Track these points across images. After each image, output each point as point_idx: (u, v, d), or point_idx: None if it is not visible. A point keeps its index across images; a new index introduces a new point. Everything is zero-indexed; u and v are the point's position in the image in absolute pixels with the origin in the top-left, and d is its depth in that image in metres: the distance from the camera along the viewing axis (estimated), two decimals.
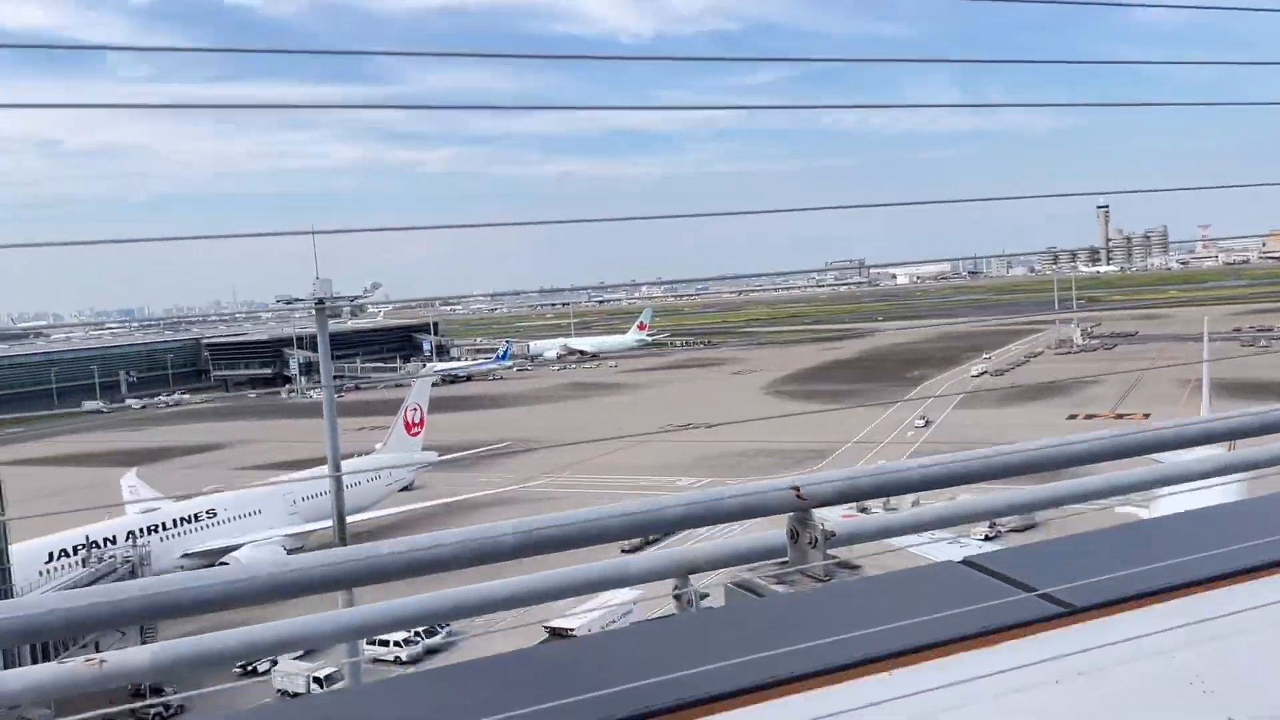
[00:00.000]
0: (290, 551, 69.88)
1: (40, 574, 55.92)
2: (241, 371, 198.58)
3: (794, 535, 5.09)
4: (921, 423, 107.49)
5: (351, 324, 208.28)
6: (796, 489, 4.99)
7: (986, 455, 5.62)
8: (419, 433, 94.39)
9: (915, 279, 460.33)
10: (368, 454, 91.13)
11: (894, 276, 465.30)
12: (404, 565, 4.44)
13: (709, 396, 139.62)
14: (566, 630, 36.50)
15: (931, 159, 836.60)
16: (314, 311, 52.71)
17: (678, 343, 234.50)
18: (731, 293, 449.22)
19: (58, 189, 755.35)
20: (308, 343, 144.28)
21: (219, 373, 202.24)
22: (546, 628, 36.58)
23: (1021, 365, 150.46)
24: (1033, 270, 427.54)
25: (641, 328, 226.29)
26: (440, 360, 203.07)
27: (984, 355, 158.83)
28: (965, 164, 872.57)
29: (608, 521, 4.80)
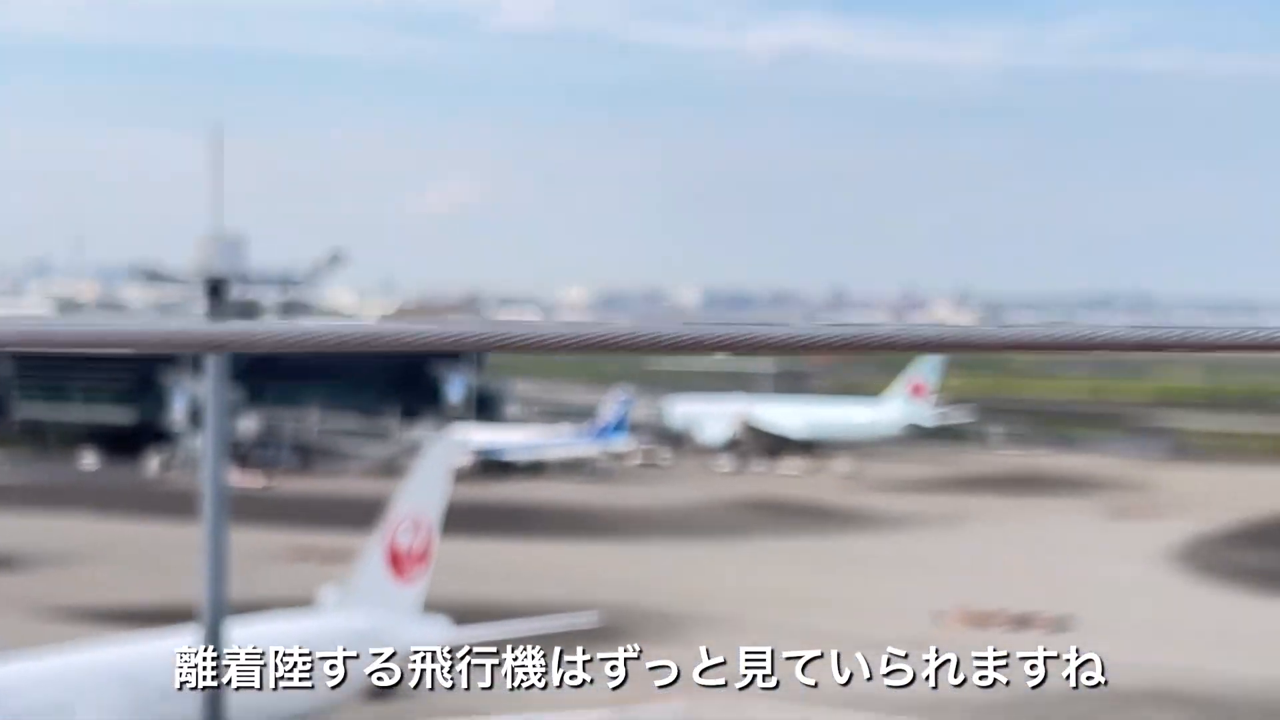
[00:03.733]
0: None
1: None
2: (77, 413, 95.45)
3: None
4: None
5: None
6: None
7: None
8: (417, 573, 50.80)
9: None
10: (307, 607, 49.49)
11: None
12: None
13: (1051, 561, 66.47)
14: None
15: None
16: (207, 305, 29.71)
17: (995, 430, 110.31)
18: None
19: None
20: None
21: (29, 414, 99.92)
22: None
23: None
24: None
25: (918, 391, 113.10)
26: (480, 420, 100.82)
27: None
28: None
29: None
